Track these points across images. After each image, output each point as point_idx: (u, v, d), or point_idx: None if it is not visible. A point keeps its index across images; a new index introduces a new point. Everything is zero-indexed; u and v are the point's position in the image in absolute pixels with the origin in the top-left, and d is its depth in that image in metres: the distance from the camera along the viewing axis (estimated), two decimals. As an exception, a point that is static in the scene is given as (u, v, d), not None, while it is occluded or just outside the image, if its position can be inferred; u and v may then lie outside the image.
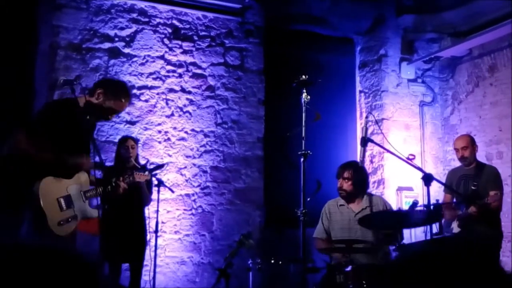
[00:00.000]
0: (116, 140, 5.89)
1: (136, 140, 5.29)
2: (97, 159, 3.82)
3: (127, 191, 4.46)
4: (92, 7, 5.99)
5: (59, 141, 3.65)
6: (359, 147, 6.85)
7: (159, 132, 6.14)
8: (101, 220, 3.76)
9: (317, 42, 7.29)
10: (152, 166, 5.40)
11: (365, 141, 4.24)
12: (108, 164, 5.27)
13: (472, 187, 5.06)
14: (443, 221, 5.09)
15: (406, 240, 5.41)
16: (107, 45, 6.01)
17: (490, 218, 5.02)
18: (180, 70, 6.31)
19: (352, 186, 4.71)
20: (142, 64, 6.15)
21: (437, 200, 4.92)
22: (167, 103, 6.21)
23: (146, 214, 5.27)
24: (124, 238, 4.95)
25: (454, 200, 5.35)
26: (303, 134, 3.96)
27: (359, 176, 4.76)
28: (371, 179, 7.00)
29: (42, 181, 3.55)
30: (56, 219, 3.60)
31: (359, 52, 7.49)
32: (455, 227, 5.08)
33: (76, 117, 3.76)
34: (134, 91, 6.08)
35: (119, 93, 3.84)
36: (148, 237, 5.24)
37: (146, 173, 4.82)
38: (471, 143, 5.29)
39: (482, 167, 5.28)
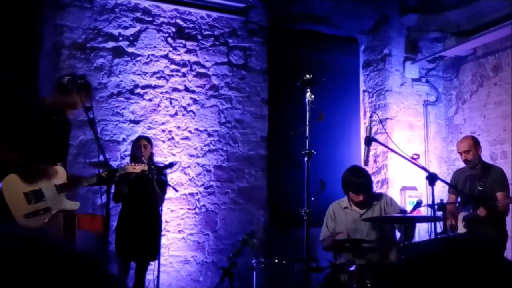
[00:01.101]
0: (120, 140, 5.91)
1: (149, 140, 5.30)
2: (101, 158, 3.84)
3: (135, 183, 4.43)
4: (96, 6, 6.00)
5: (30, 143, 3.78)
6: (363, 146, 6.85)
7: (163, 131, 6.14)
8: (106, 218, 3.78)
9: (321, 42, 7.29)
10: (163, 165, 5.41)
11: (369, 140, 4.23)
12: (112, 163, 5.28)
13: (479, 188, 5.02)
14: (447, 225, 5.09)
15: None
16: (111, 44, 6.02)
17: (497, 219, 5.00)
18: (184, 70, 6.31)
19: (366, 197, 4.69)
20: (146, 63, 6.16)
21: (441, 200, 4.91)
22: (171, 102, 6.21)
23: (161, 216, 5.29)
24: (138, 237, 4.97)
25: (459, 200, 5.33)
26: (307, 134, 3.96)
27: (371, 188, 4.77)
28: (375, 178, 6.99)
29: (6, 177, 3.70)
30: (22, 211, 3.72)
31: (363, 51, 7.47)
32: (460, 228, 5.06)
33: (41, 117, 3.90)
34: (138, 90, 6.09)
35: (67, 87, 3.92)
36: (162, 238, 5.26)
37: (142, 165, 4.70)
38: (474, 146, 5.21)
39: (489, 168, 5.24)
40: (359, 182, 4.62)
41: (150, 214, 5.10)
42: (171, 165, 5.37)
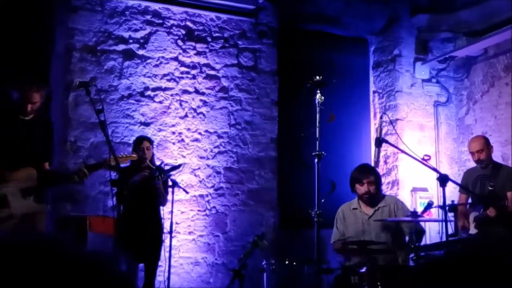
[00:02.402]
0: (131, 142, 5.93)
1: (151, 141, 5.29)
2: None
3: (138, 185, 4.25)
4: (107, 9, 6.04)
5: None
6: (373, 147, 6.84)
7: (173, 133, 6.17)
8: (117, 220, 3.78)
9: (331, 42, 7.28)
10: (168, 167, 5.41)
11: (379, 142, 4.22)
12: (122, 165, 5.29)
13: (489, 188, 5.00)
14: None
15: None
16: (121, 47, 6.05)
17: (507, 219, 4.96)
18: (193, 72, 6.33)
19: (376, 189, 4.69)
20: (156, 65, 6.18)
21: (453, 201, 4.89)
22: (181, 105, 6.23)
23: (161, 215, 5.30)
24: (139, 238, 4.97)
25: (470, 200, 5.31)
26: (317, 135, 3.95)
27: (379, 178, 4.78)
28: (385, 180, 6.96)
29: None
30: None
31: (373, 52, 7.45)
32: (471, 228, 5.04)
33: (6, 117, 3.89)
34: (148, 92, 6.12)
35: (21, 83, 3.92)
36: (163, 237, 5.26)
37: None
38: (486, 145, 5.21)
39: (499, 168, 5.23)
40: (360, 172, 4.69)
41: (151, 215, 5.09)
42: (176, 167, 5.38)
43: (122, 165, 5.24)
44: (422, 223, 4.90)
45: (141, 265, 5.20)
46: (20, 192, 3.75)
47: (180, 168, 5.61)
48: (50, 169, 4.16)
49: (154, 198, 5.07)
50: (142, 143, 5.13)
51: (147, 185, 4.98)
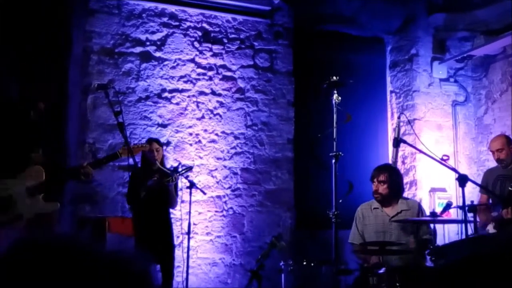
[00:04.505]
0: (148, 143, 5.97)
1: (160, 143, 5.24)
2: (131, 161, 3.89)
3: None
4: (124, 12, 6.09)
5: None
6: (390, 148, 6.80)
7: (190, 134, 6.20)
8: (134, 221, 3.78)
9: (347, 43, 7.25)
10: (181, 168, 5.43)
11: (397, 142, 4.20)
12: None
13: (510, 188, 4.95)
14: (478, 223, 5.00)
15: (439, 242, 5.34)
16: (138, 49, 6.10)
17: None
18: (210, 73, 6.36)
19: (388, 189, 4.63)
20: (173, 67, 6.22)
21: (472, 202, 4.84)
22: (197, 106, 6.26)
23: (178, 216, 5.32)
24: (148, 240, 4.98)
25: (490, 201, 5.25)
26: (334, 135, 3.94)
27: (394, 180, 4.69)
28: (403, 180, 6.91)
29: None
30: None
31: (390, 52, 7.41)
32: (490, 229, 4.99)
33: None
34: (165, 94, 6.16)
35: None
36: (175, 238, 5.27)
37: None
38: (507, 144, 5.17)
39: (519, 168, 5.17)
40: (375, 170, 4.67)
41: (160, 218, 5.09)
42: (189, 168, 5.40)
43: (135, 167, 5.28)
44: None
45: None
46: (27, 191, 3.57)
47: (191, 170, 5.62)
48: (58, 165, 4.01)
49: (164, 201, 5.06)
50: (151, 145, 5.06)
51: (158, 187, 5.00)
